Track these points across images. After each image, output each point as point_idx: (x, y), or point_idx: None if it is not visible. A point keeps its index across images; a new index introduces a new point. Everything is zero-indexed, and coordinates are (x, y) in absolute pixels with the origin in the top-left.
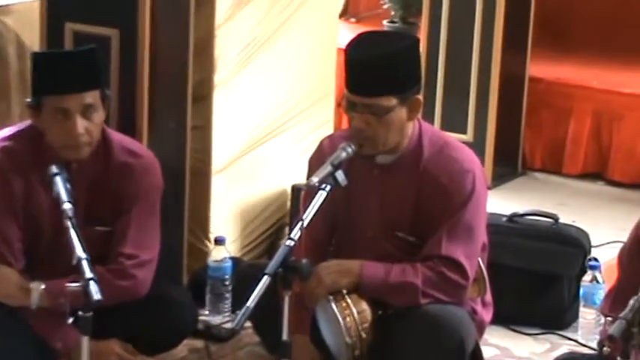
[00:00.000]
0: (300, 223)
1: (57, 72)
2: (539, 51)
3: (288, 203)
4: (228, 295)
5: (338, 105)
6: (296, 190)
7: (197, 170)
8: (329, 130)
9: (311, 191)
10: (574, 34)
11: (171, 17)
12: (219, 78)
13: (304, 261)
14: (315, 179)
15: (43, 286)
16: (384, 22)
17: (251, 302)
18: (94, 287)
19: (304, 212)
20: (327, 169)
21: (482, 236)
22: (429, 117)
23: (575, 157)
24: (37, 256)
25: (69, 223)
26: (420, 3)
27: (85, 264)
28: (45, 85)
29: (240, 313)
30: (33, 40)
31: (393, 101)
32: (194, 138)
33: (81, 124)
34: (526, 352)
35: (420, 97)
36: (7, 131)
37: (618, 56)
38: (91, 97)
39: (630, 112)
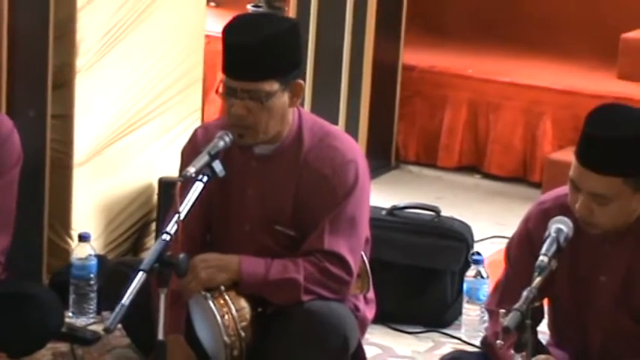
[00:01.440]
0: (176, 216)
1: None
2: (413, 38)
3: (155, 197)
4: (93, 295)
5: (215, 92)
6: (164, 183)
7: (57, 162)
8: (196, 119)
9: (187, 183)
10: (448, 21)
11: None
12: (81, 64)
13: (181, 256)
14: (191, 170)
15: None
16: (249, 6)
17: (126, 300)
18: None
19: (180, 205)
20: (203, 159)
21: (365, 229)
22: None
23: (451, 150)
24: None
25: None
26: None
27: None
28: None
29: (115, 311)
30: None
31: (274, 86)
32: (54, 128)
33: None
34: (408, 350)
35: (302, 81)
36: None
37: (494, 44)
38: None
39: (507, 101)
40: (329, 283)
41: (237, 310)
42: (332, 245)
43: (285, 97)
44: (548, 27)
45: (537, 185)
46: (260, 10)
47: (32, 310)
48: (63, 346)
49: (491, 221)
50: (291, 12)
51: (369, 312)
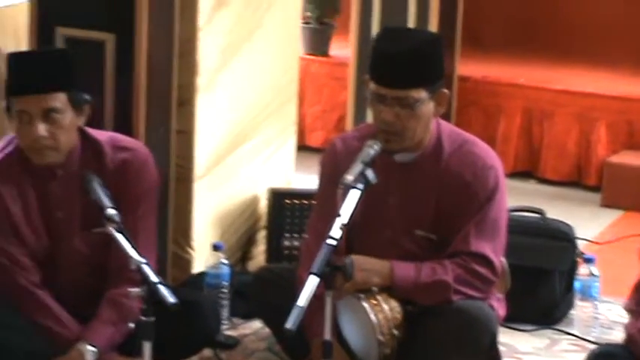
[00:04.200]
0: (339, 222)
1: (21, 72)
2: (466, 50)
3: (260, 208)
4: (225, 302)
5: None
6: (274, 193)
7: (180, 177)
8: (292, 133)
9: (344, 191)
10: (495, 33)
11: (158, 21)
12: (201, 82)
13: (348, 260)
14: (349, 178)
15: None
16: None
17: (303, 302)
18: (165, 290)
19: (340, 211)
20: (358, 167)
21: (505, 231)
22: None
23: (506, 156)
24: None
25: (113, 229)
26: (336, 3)
27: (146, 268)
28: (10, 86)
29: (293, 313)
30: (6, 44)
31: (422, 94)
32: (177, 143)
33: (41, 127)
34: (529, 347)
35: (447, 91)
36: None
37: (540, 54)
38: (55, 99)
39: (560, 108)
40: (476, 283)
41: (389, 310)
42: (478, 247)
43: (431, 105)
44: (591, 35)
45: (593, 188)
46: (310, 25)
47: (195, 315)
48: (206, 351)
49: None
50: (353, 28)
51: (502, 310)
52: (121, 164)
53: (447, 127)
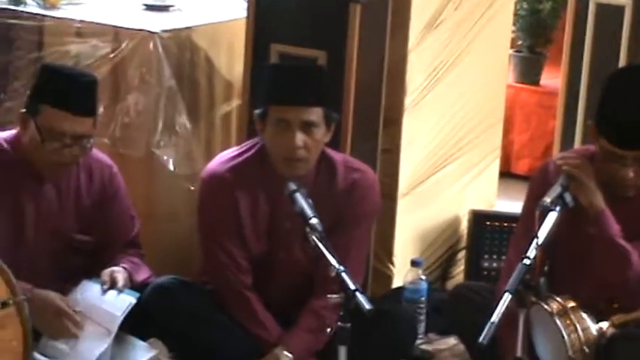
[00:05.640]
0: (535, 242)
1: (285, 83)
2: None
3: (461, 228)
4: (422, 317)
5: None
6: (476, 215)
7: (384, 194)
8: (496, 157)
9: (543, 212)
10: None
11: (369, 41)
12: (408, 101)
13: (542, 280)
14: (547, 200)
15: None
16: (510, 50)
17: (496, 318)
18: (362, 298)
19: (537, 232)
20: (557, 190)
21: None
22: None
23: None
24: None
25: (315, 238)
26: (549, 32)
27: (345, 275)
28: (271, 94)
29: (487, 328)
30: (220, 59)
31: None
32: (383, 161)
33: (300, 137)
34: None
35: None
36: (235, 149)
37: None
38: (314, 113)
39: None
40: None
41: (582, 330)
42: None
43: None
44: None
45: None
46: (521, 54)
47: (391, 326)
48: None
49: None
50: (565, 58)
51: None
52: (351, 184)
53: None
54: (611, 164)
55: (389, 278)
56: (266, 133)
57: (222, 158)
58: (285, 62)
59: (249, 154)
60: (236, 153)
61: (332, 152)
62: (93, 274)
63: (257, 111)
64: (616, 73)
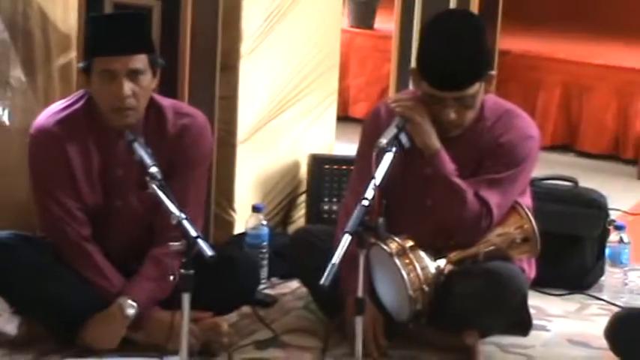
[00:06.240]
0: (372, 183)
1: (106, 34)
2: (506, 23)
3: (301, 173)
4: (265, 262)
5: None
6: (315, 159)
7: (223, 141)
8: (333, 102)
9: (379, 153)
10: (535, 8)
11: None
12: (244, 49)
13: (380, 220)
14: (383, 141)
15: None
16: None
17: (336, 259)
18: (204, 244)
19: (374, 173)
20: (392, 131)
21: (515, 197)
22: None
23: (545, 129)
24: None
25: (155, 186)
26: None
27: (186, 223)
28: (93, 47)
29: (328, 269)
30: (55, 11)
31: (477, 86)
32: (221, 108)
33: (127, 86)
34: (560, 310)
35: (494, 72)
36: (62, 102)
37: (580, 29)
38: (139, 61)
39: (599, 82)
40: (474, 218)
41: (421, 269)
42: (485, 193)
43: (482, 91)
44: (630, 10)
45: (631, 162)
46: None
47: (237, 271)
48: (245, 308)
49: None
50: (397, 1)
51: (532, 272)
52: (181, 129)
53: (491, 99)
54: (433, 106)
55: (230, 225)
56: (92, 86)
57: (49, 112)
58: (108, 13)
59: (77, 105)
60: (63, 106)
61: (160, 98)
62: None
63: (80, 64)
64: (433, 18)
